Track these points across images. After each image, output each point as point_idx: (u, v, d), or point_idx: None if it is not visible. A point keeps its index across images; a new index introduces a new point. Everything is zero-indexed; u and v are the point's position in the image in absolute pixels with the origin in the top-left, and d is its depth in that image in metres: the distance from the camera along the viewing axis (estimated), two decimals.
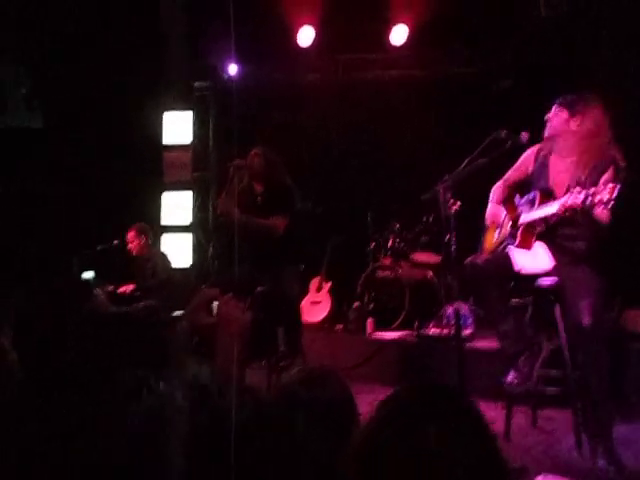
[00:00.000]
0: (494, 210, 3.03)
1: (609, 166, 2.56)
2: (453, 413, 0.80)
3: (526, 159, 2.98)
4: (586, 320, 2.42)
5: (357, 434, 0.83)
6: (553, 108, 2.79)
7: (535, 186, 2.86)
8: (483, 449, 0.78)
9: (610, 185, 2.27)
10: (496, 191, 3.11)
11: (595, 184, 2.45)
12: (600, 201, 2.27)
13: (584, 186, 2.47)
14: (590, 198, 2.30)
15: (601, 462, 2.39)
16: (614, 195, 2.24)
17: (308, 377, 1.35)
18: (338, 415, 1.26)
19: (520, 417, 3.11)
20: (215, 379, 0.47)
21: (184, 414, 0.43)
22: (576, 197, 2.35)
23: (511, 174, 3.08)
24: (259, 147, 3.82)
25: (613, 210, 2.43)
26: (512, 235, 2.84)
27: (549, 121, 2.79)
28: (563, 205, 2.40)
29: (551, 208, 2.57)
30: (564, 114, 2.72)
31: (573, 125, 2.68)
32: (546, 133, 2.82)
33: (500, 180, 3.13)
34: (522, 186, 3.07)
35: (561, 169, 2.74)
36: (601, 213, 2.44)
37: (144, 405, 0.44)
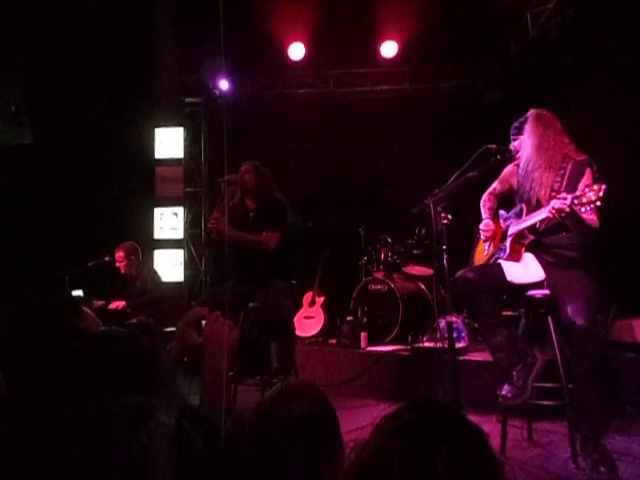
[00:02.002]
0: (487, 224, 3.06)
1: (585, 170, 2.63)
2: (461, 435, 0.78)
3: (509, 175, 3.07)
4: (580, 321, 2.44)
5: (357, 451, 0.81)
6: (511, 141, 2.93)
7: (521, 199, 2.91)
8: (489, 473, 0.76)
9: (595, 186, 2.31)
10: (486, 203, 3.18)
11: (574, 190, 2.49)
12: (587, 202, 2.31)
13: (565, 191, 2.54)
14: (576, 200, 2.35)
15: (594, 464, 2.38)
16: (601, 194, 2.28)
17: (281, 393, 1.32)
18: (315, 429, 1.24)
19: (515, 430, 3.09)
20: (206, 406, 0.46)
21: (186, 445, 0.42)
22: (562, 201, 2.40)
23: (496, 186, 3.17)
24: (250, 162, 3.82)
25: (601, 215, 2.50)
26: (501, 248, 2.86)
27: (515, 152, 2.92)
28: (553, 208, 2.44)
29: (540, 214, 2.61)
30: (520, 139, 2.87)
31: (526, 141, 2.82)
32: (519, 162, 2.92)
33: (487, 192, 3.20)
34: (506, 200, 3.14)
35: (539, 183, 2.80)
36: (590, 217, 2.49)
37: (142, 434, 0.42)
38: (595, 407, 2.47)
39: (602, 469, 2.33)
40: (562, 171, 2.68)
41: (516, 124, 2.90)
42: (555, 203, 2.43)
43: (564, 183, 2.65)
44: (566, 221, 2.53)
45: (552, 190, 2.67)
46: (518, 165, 2.93)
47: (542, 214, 2.57)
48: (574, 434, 2.61)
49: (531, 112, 2.87)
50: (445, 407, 0.84)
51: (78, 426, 0.44)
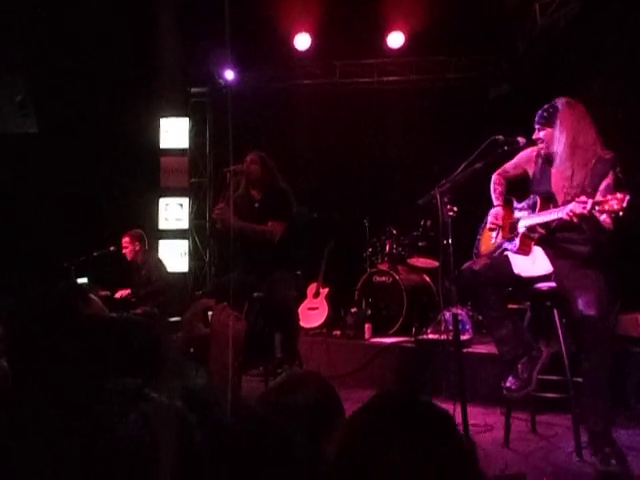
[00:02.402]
0: (496, 212, 2.98)
1: (609, 169, 2.55)
2: (422, 429, 0.79)
3: (526, 160, 2.95)
4: (591, 311, 2.40)
5: (332, 443, 0.82)
6: (536, 130, 2.79)
7: (536, 190, 2.84)
8: (456, 459, 0.77)
9: (619, 195, 2.23)
10: (497, 186, 3.04)
11: (596, 189, 2.44)
12: (609, 210, 2.24)
13: (586, 191, 2.46)
14: (598, 207, 2.28)
15: (605, 458, 2.37)
16: (624, 205, 2.21)
17: (286, 382, 1.32)
18: (319, 418, 1.24)
19: (519, 423, 3.09)
20: (211, 391, 0.46)
21: (179, 424, 0.41)
22: (583, 206, 2.32)
23: (510, 169, 3.04)
24: (255, 153, 3.80)
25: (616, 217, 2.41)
26: (510, 240, 2.82)
27: (540, 142, 2.78)
28: (571, 211, 2.37)
29: (556, 214, 2.54)
30: (548, 130, 2.73)
31: (558, 136, 2.68)
32: (542, 151, 2.81)
33: (497, 173, 3.06)
34: (518, 185, 3.06)
35: (560, 176, 2.73)
36: (605, 220, 2.41)
37: (138, 412, 0.42)
38: (605, 401, 2.44)
39: (613, 462, 2.33)
40: (589, 166, 2.59)
41: (544, 113, 2.73)
42: (575, 207, 2.36)
43: (587, 180, 2.56)
44: (581, 224, 2.47)
45: (573, 184, 2.59)
46: (538, 154, 2.84)
47: (558, 214, 2.50)
48: (578, 427, 2.61)
49: (562, 102, 2.71)
50: (407, 398, 0.84)
51: (72, 409, 0.44)
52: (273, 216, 3.62)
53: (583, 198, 2.36)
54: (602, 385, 2.44)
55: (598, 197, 2.33)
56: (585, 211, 2.32)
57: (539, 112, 2.77)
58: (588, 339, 2.44)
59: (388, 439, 0.75)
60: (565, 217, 2.43)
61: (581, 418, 2.55)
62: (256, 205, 3.75)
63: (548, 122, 2.71)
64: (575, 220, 2.40)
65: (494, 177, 3.06)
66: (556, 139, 2.68)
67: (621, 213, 2.22)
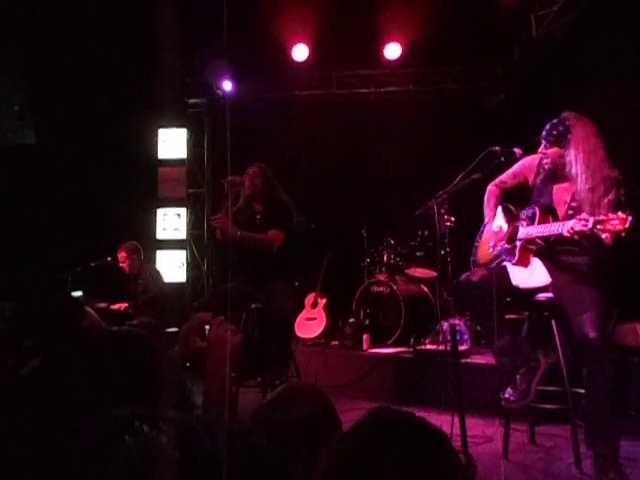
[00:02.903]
0: (499, 227, 2.93)
1: (612, 187, 2.52)
2: (418, 445, 0.79)
3: (526, 168, 2.92)
4: (592, 333, 2.38)
5: (329, 457, 0.82)
6: (542, 145, 2.74)
7: (536, 201, 2.83)
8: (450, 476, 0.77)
9: (621, 214, 2.21)
10: (491, 198, 3.03)
11: (598, 205, 2.42)
12: (611, 230, 2.22)
13: (588, 206, 2.45)
14: (599, 225, 2.25)
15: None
16: (627, 226, 2.18)
17: (281, 395, 1.31)
18: (315, 430, 1.23)
19: (518, 434, 3.08)
20: (206, 421, 0.44)
21: (170, 461, 0.41)
22: (584, 224, 2.30)
23: (507, 180, 3.01)
24: (256, 165, 3.80)
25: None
26: (509, 251, 2.82)
27: (545, 156, 2.74)
28: (572, 229, 2.35)
29: (556, 229, 2.52)
30: (555, 149, 2.68)
31: (568, 156, 2.62)
32: (546, 166, 2.77)
33: (493, 183, 3.03)
34: (515, 194, 3.04)
35: (564, 192, 2.72)
36: (607, 237, 2.36)
37: (126, 449, 0.41)
38: (609, 423, 2.42)
39: None
40: (593, 182, 2.54)
41: (553, 130, 2.67)
42: (575, 225, 2.34)
43: (590, 197, 2.52)
44: (582, 240, 2.45)
45: (573, 200, 2.58)
46: (540, 164, 2.82)
47: (559, 230, 2.48)
48: (577, 438, 2.60)
49: (573, 120, 2.65)
50: (400, 418, 0.84)
51: (61, 437, 0.43)
52: (273, 225, 3.63)
53: (584, 215, 2.33)
54: (605, 407, 2.42)
55: (600, 215, 2.30)
56: (586, 229, 2.29)
57: (548, 127, 2.69)
58: (590, 361, 2.43)
59: (384, 454, 0.75)
60: (565, 234, 2.41)
61: (587, 439, 2.51)
62: (258, 217, 3.75)
63: (558, 141, 2.65)
64: (575, 237, 2.38)
65: (490, 188, 3.03)
66: (568, 162, 2.62)
67: (623, 234, 2.20)
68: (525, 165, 2.93)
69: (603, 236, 2.28)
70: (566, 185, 2.70)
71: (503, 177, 3.01)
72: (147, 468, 0.39)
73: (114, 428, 0.41)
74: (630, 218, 2.19)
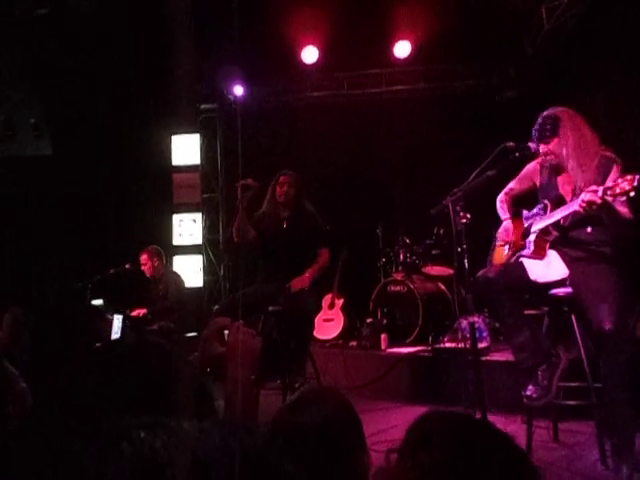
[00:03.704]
0: (506, 226, 2.99)
1: (612, 166, 2.54)
2: (506, 448, 0.78)
3: (531, 172, 2.96)
4: (608, 325, 2.36)
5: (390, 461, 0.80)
6: (541, 146, 2.75)
7: (545, 196, 2.83)
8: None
9: (629, 176, 2.22)
10: (503, 204, 3.08)
11: (603, 183, 2.42)
12: (621, 192, 2.22)
13: (590, 184, 2.45)
14: (609, 191, 2.26)
15: (625, 470, 2.32)
16: (635, 184, 2.18)
17: (301, 399, 1.30)
18: (335, 434, 1.22)
19: (541, 431, 3.04)
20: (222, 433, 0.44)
21: (164, 470, 0.40)
22: (593, 193, 2.31)
23: (515, 186, 3.05)
24: (288, 174, 3.86)
25: (633, 206, 2.39)
26: (523, 247, 2.80)
27: (550, 154, 2.74)
28: (583, 201, 2.35)
29: (568, 208, 2.52)
30: (552, 141, 2.70)
31: (564, 146, 2.66)
32: (553, 162, 2.78)
33: (503, 192, 3.09)
34: (526, 199, 3.06)
35: (568, 179, 2.73)
36: (622, 209, 2.39)
37: (121, 455, 0.41)
38: (627, 414, 2.40)
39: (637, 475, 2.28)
40: (592, 166, 2.59)
41: (546, 125, 2.71)
42: (585, 196, 2.34)
43: (593, 177, 2.55)
44: (599, 213, 2.42)
45: (579, 184, 2.58)
46: (542, 165, 2.84)
47: (571, 208, 2.49)
48: (602, 434, 2.57)
49: (561, 111, 2.71)
50: (475, 417, 0.84)
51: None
52: (310, 242, 3.77)
53: (593, 187, 2.34)
54: (622, 398, 2.40)
55: (608, 182, 2.32)
56: (597, 198, 2.29)
57: (537, 128, 2.74)
58: (606, 353, 2.41)
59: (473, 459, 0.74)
60: (579, 209, 2.39)
61: (603, 429, 2.51)
62: (284, 224, 3.80)
63: (554, 132, 2.69)
64: (588, 209, 2.35)
65: (500, 197, 3.09)
66: (562, 145, 2.67)
67: (632, 193, 2.20)
68: (529, 170, 2.97)
69: (614, 201, 2.29)
70: (568, 177, 2.71)
71: (510, 185, 3.07)
72: (141, 475, 0.39)
73: (110, 434, 0.42)
74: (638, 176, 2.19)
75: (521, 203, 3.07)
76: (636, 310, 3.54)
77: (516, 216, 3.02)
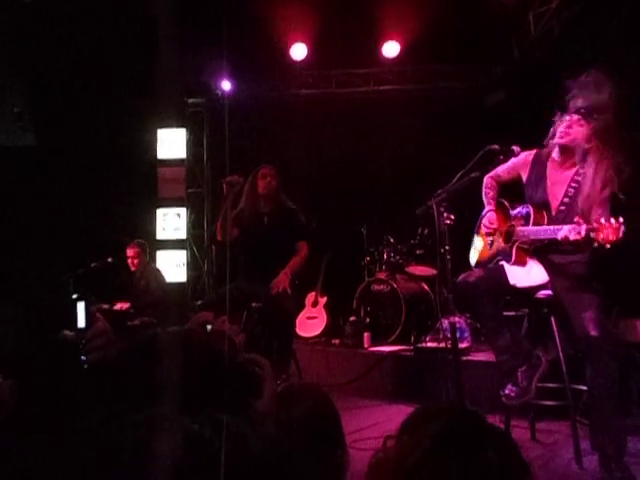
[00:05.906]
0: (490, 217, 2.95)
1: (610, 180, 2.49)
2: (499, 441, 0.79)
3: (521, 164, 2.91)
4: (593, 331, 2.39)
5: (384, 455, 0.80)
6: (574, 117, 2.62)
7: (530, 196, 2.84)
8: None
9: (614, 224, 2.18)
10: (489, 191, 3.02)
11: (590, 208, 2.43)
12: (604, 240, 2.19)
13: (581, 210, 2.45)
14: (592, 234, 2.24)
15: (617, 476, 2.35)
16: (620, 235, 2.16)
17: (281, 395, 1.31)
18: (316, 430, 1.23)
19: (519, 430, 3.09)
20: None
21: (162, 463, 0.41)
22: (577, 231, 2.30)
23: (502, 174, 3.01)
24: (269, 167, 3.84)
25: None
26: (505, 252, 2.82)
27: (566, 129, 2.64)
28: (566, 237, 2.36)
29: (549, 233, 2.52)
30: (585, 129, 2.60)
31: (592, 142, 2.57)
32: (558, 140, 2.69)
33: (490, 175, 3.02)
34: (510, 189, 3.04)
35: (558, 180, 2.72)
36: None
37: (118, 447, 0.41)
38: (615, 423, 2.42)
39: None
40: (591, 177, 2.54)
41: (597, 106, 2.53)
42: (569, 234, 2.34)
43: (585, 193, 2.52)
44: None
45: (564, 197, 2.59)
46: (535, 159, 2.82)
47: (552, 235, 2.48)
48: (577, 434, 2.61)
49: (599, 126, 2.56)
50: (469, 410, 0.85)
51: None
52: (294, 237, 3.77)
53: (577, 220, 2.33)
54: (610, 405, 2.42)
55: (593, 223, 2.27)
56: (579, 237, 2.30)
57: (588, 102, 2.56)
58: (593, 359, 2.43)
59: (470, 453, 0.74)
60: (559, 239, 2.42)
61: (592, 439, 2.51)
62: (265, 219, 3.79)
63: (593, 122, 2.56)
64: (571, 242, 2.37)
65: (486, 180, 3.03)
66: (588, 144, 2.57)
67: (617, 243, 2.18)
68: (520, 161, 2.92)
69: (595, 245, 2.26)
70: (562, 177, 2.70)
71: (499, 170, 3.00)
72: (138, 468, 0.40)
73: (108, 427, 0.42)
74: (623, 227, 2.16)
75: (506, 192, 3.05)
76: (612, 315, 3.60)
77: (500, 207, 2.99)
